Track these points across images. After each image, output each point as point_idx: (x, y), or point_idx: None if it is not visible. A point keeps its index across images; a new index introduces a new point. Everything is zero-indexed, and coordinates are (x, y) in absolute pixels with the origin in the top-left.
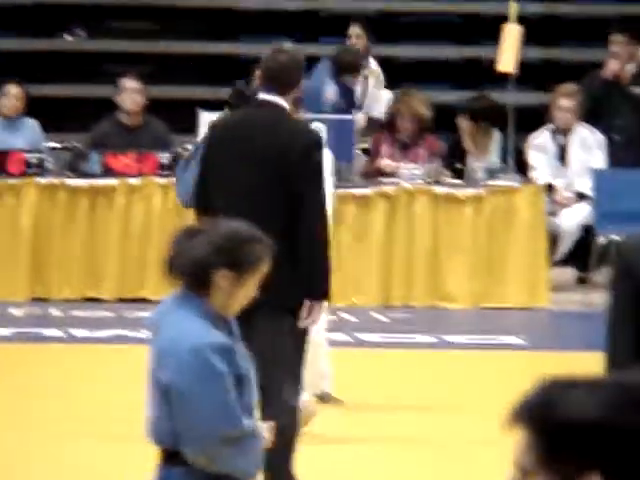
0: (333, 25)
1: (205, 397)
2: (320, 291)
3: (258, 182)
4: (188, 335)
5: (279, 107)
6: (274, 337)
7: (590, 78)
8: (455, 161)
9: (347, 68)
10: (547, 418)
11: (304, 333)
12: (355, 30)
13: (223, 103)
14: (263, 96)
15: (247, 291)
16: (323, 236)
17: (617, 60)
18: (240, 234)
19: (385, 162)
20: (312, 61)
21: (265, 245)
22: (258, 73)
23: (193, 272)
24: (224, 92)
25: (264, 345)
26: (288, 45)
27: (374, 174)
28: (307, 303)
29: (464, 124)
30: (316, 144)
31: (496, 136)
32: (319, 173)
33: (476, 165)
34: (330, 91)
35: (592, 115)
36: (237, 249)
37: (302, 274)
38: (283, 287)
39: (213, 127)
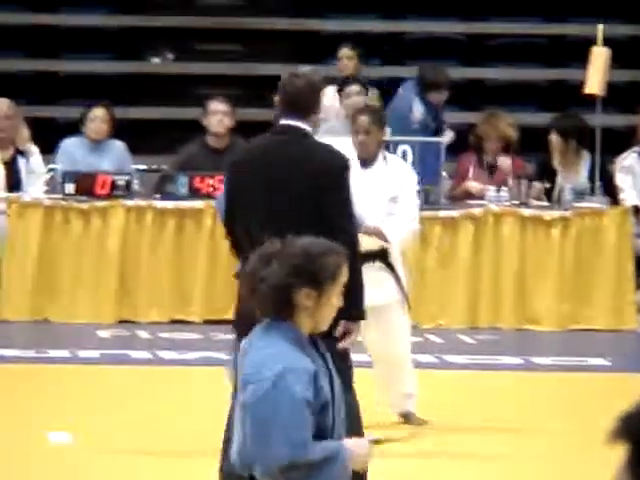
0: (417, 47)
1: (277, 423)
2: (357, 312)
3: (287, 207)
4: (272, 360)
5: (300, 131)
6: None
7: None
8: (544, 181)
9: (432, 85)
10: None
11: (346, 354)
12: (345, 52)
13: None
14: (283, 121)
15: (332, 305)
16: (354, 258)
17: None
18: (313, 249)
19: (472, 184)
20: (397, 82)
21: (339, 254)
22: (277, 99)
23: (276, 298)
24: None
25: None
26: (305, 69)
27: (460, 196)
28: (345, 324)
29: (554, 141)
30: (344, 167)
31: (586, 156)
32: (347, 196)
33: (565, 185)
34: (417, 110)
35: None
36: (313, 265)
37: None
38: None
39: (240, 151)
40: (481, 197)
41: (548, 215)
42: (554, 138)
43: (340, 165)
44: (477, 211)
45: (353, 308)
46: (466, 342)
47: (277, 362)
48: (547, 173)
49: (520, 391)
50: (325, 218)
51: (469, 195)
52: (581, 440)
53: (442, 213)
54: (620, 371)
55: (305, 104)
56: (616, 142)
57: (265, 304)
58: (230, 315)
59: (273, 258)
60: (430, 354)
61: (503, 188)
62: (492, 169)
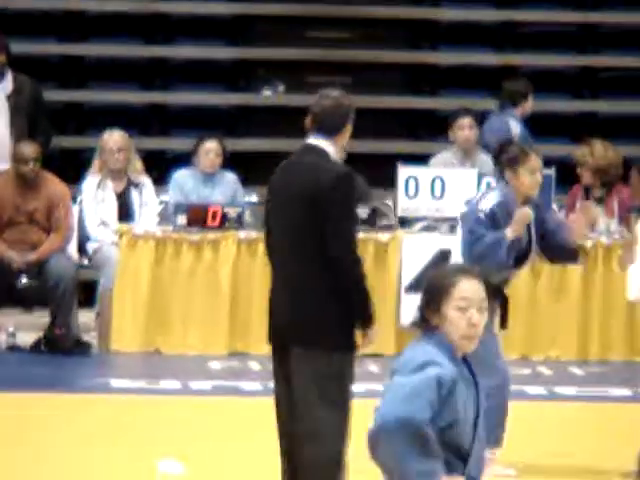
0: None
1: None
2: (364, 319)
3: (297, 222)
4: (423, 354)
5: (321, 151)
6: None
7: None
8: None
9: (520, 95)
10: None
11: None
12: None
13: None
14: (309, 140)
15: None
16: (352, 267)
17: None
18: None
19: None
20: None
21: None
22: (307, 119)
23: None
24: (423, 146)
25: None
26: (335, 91)
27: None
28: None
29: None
30: (341, 179)
31: None
32: (344, 207)
33: None
34: (514, 127)
35: None
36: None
37: (338, 308)
38: (324, 324)
39: (275, 171)
40: (591, 229)
41: None
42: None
43: (338, 176)
44: (588, 243)
45: (359, 316)
46: (576, 374)
47: (427, 355)
48: None
49: (629, 422)
50: (325, 230)
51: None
52: None
53: None
54: None
55: (330, 124)
56: None
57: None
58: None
59: None
60: (540, 386)
61: (614, 220)
62: (599, 202)
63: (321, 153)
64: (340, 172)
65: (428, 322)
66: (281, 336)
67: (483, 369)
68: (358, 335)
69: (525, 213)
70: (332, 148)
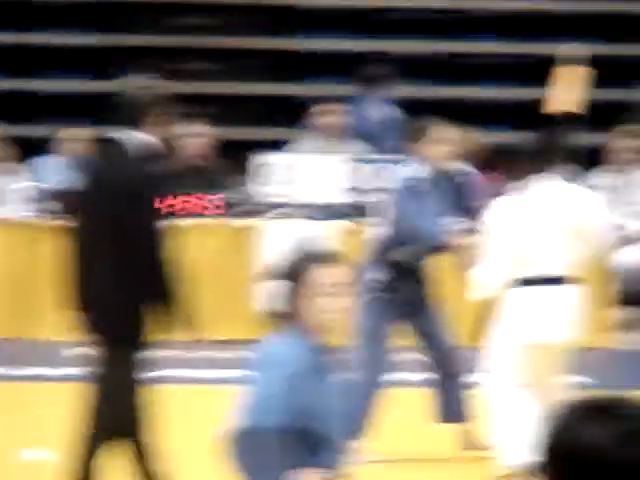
0: (405, 67)
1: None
2: (176, 309)
3: (106, 215)
4: (279, 346)
5: (127, 142)
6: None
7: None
8: None
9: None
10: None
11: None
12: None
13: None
14: (114, 132)
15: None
16: (159, 260)
17: None
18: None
19: None
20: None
21: (311, 257)
22: (111, 110)
23: None
24: (284, 133)
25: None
26: (141, 79)
27: None
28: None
29: None
30: (146, 172)
31: None
32: (150, 201)
33: None
34: (378, 110)
35: None
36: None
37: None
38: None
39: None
40: None
41: None
42: None
43: (142, 183)
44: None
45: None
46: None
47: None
48: None
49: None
50: (128, 222)
51: None
52: None
53: None
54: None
55: (133, 114)
56: (591, 160)
57: None
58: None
59: None
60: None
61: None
62: None
63: (126, 145)
64: (144, 165)
65: (285, 311)
66: (89, 326)
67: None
68: (173, 324)
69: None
70: (140, 138)
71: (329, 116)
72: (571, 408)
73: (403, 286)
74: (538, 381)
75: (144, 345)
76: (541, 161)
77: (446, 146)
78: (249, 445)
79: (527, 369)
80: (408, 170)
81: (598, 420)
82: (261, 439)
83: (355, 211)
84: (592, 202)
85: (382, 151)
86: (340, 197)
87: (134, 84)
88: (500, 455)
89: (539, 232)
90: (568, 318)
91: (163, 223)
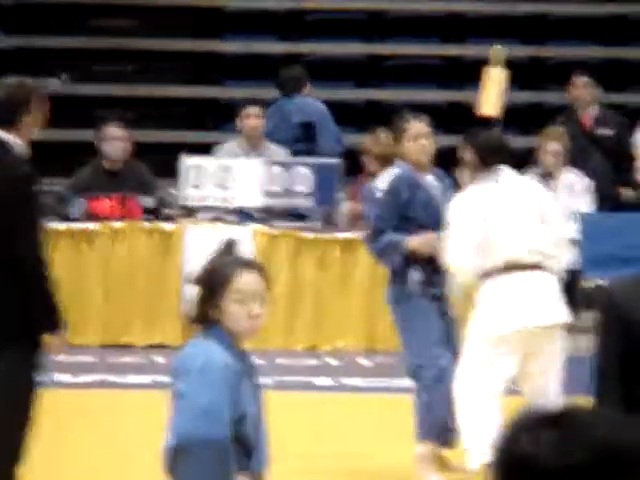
0: (315, 69)
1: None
2: (51, 320)
3: None
4: (204, 352)
5: (3, 144)
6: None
7: (559, 122)
8: None
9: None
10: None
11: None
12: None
13: (208, 147)
14: None
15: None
16: (37, 267)
17: (581, 103)
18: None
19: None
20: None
21: (232, 263)
22: None
23: None
24: (210, 136)
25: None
26: (13, 79)
27: (356, 219)
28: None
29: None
30: (24, 177)
31: None
32: (28, 206)
33: None
34: (298, 112)
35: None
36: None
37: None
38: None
39: None
40: None
41: None
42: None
43: (21, 188)
44: None
45: (46, 317)
46: (364, 365)
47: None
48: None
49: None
50: (10, 226)
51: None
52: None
53: (340, 235)
54: (518, 394)
55: (5, 114)
56: (515, 164)
57: None
58: (127, 339)
59: None
60: (327, 376)
61: None
62: None
63: (3, 147)
64: (23, 169)
65: (207, 316)
66: None
67: None
68: (49, 337)
69: (430, 240)
70: (15, 140)
71: (250, 119)
72: (517, 416)
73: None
74: (516, 371)
75: (32, 348)
76: (492, 158)
77: (424, 140)
78: (203, 457)
79: (500, 360)
80: (393, 171)
81: (536, 428)
82: (216, 450)
83: (274, 215)
84: (544, 190)
85: (315, 152)
86: (260, 200)
87: (5, 84)
88: (468, 455)
89: (506, 221)
90: (548, 302)
91: (42, 224)
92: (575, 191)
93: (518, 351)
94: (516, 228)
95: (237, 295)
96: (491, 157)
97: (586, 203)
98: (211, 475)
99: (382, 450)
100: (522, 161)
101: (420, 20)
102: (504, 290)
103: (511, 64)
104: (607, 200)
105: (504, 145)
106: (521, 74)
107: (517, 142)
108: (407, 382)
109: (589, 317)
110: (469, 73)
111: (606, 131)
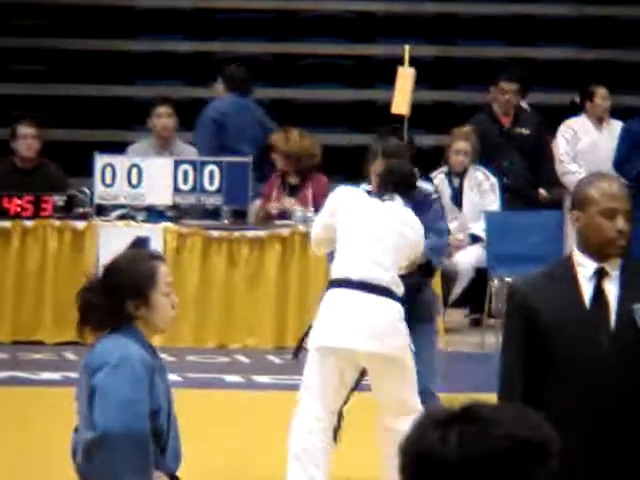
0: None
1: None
2: None
3: None
4: (117, 347)
5: None
6: None
7: (477, 120)
8: None
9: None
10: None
11: None
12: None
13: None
14: None
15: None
16: None
17: (501, 102)
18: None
19: (273, 205)
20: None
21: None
22: None
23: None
24: (121, 135)
25: None
26: None
27: (267, 217)
28: None
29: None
30: None
31: None
32: None
33: None
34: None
35: (482, 157)
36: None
37: None
38: None
39: None
40: (288, 217)
41: None
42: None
43: None
44: (284, 231)
45: None
46: (273, 362)
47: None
48: None
49: None
50: None
51: (277, 216)
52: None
53: (250, 233)
54: None
55: None
56: (424, 162)
57: None
58: (38, 336)
59: None
60: (238, 374)
61: (310, 208)
62: (294, 190)
63: None
64: None
65: (118, 314)
66: None
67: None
68: None
69: None
70: None
71: (161, 118)
72: (421, 414)
73: None
74: (326, 387)
75: None
76: (389, 186)
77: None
78: (123, 449)
79: (319, 374)
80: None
81: (441, 425)
82: (137, 442)
83: (184, 213)
84: (411, 218)
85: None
86: (170, 199)
87: None
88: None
89: (361, 235)
90: (369, 326)
91: None
92: (482, 190)
93: (336, 367)
94: (366, 245)
95: (165, 288)
96: (389, 185)
97: (493, 202)
98: (132, 467)
99: None
100: (431, 160)
101: (330, 20)
102: (329, 303)
103: (420, 63)
104: (524, 199)
105: (404, 173)
106: (430, 73)
107: (426, 140)
108: None
109: (496, 314)
110: (379, 72)
111: (524, 130)
